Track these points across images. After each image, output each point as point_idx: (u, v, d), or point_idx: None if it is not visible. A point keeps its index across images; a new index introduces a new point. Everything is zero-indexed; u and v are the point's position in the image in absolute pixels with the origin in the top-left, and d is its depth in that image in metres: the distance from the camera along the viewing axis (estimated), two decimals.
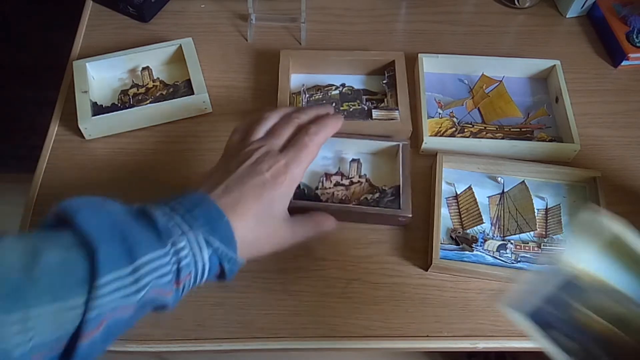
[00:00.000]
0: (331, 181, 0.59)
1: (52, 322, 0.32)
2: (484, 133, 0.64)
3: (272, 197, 0.43)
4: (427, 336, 0.53)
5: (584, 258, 0.31)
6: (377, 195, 0.58)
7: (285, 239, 0.46)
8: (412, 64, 0.68)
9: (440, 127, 0.65)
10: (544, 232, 0.57)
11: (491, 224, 0.57)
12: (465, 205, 0.58)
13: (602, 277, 0.31)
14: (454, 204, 0.58)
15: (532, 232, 0.57)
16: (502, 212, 0.58)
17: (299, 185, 0.57)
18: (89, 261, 0.34)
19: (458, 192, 0.59)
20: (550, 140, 0.64)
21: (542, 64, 0.68)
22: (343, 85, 0.68)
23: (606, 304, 0.31)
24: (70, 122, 0.63)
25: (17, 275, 0.32)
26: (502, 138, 0.63)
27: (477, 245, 0.55)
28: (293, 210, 0.56)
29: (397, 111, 0.63)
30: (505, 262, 0.55)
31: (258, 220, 0.42)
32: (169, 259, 0.37)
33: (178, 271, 0.37)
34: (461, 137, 0.64)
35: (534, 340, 0.32)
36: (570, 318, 0.31)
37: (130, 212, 0.39)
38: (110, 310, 0.34)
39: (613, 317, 0.30)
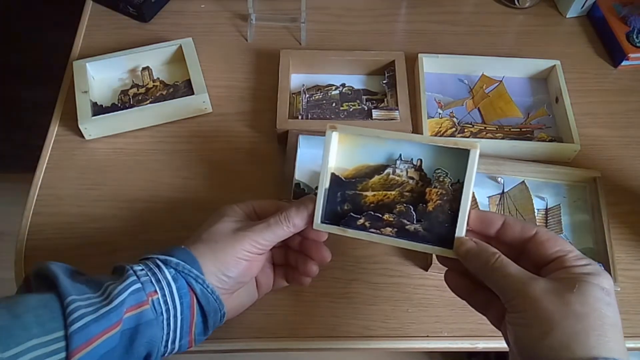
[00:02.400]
0: None
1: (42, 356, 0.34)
2: (484, 133, 0.64)
3: (219, 213, 0.46)
4: (427, 336, 0.53)
5: (337, 161, 0.42)
6: None
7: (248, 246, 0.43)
8: (412, 64, 0.68)
9: (440, 127, 0.65)
10: None
11: None
12: None
13: (355, 163, 0.42)
14: None
15: None
16: (502, 212, 0.58)
17: (298, 184, 0.57)
18: (59, 297, 0.37)
19: None
20: (550, 140, 0.64)
21: (542, 64, 0.68)
22: (343, 85, 0.68)
23: (369, 180, 0.42)
24: (70, 122, 0.63)
25: (2, 318, 0.34)
26: (502, 138, 0.63)
27: None
28: None
29: (397, 111, 0.63)
30: None
31: (208, 237, 0.43)
32: (130, 279, 0.39)
33: (142, 287, 0.39)
34: (461, 137, 0.64)
35: (346, 234, 0.41)
36: (360, 204, 0.42)
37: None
38: (88, 334, 0.35)
39: (377, 185, 0.42)
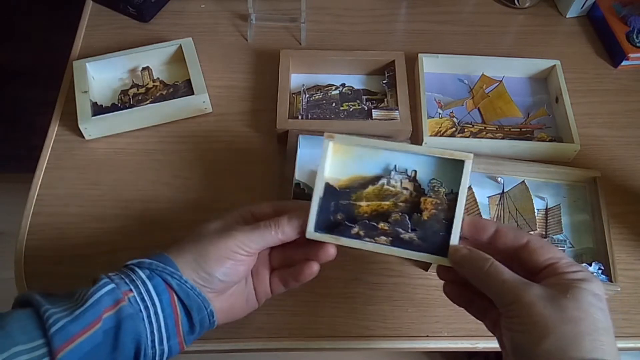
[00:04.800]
0: None
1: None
2: (484, 133, 0.64)
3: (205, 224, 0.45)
4: (427, 336, 0.53)
5: (330, 171, 0.43)
6: None
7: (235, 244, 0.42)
8: (412, 64, 0.68)
9: (440, 127, 0.65)
10: (544, 232, 0.57)
11: None
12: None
13: (349, 174, 0.43)
14: None
15: (532, 232, 0.57)
16: (502, 212, 0.58)
17: (298, 184, 0.57)
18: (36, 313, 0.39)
19: None
20: (550, 140, 0.64)
21: (542, 64, 0.68)
22: (343, 85, 0.68)
23: (363, 190, 0.43)
24: (70, 122, 0.63)
25: None
26: (502, 138, 0.63)
27: None
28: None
29: (397, 111, 0.63)
30: None
31: (192, 237, 0.43)
32: (103, 281, 0.40)
33: (117, 287, 0.40)
34: (461, 137, 0.64)
35: (339, 243, 0.41)
36: (353, 214, 0.42)
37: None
38: (67, 334, 0.37)
39: (371, 196, 0.43)
